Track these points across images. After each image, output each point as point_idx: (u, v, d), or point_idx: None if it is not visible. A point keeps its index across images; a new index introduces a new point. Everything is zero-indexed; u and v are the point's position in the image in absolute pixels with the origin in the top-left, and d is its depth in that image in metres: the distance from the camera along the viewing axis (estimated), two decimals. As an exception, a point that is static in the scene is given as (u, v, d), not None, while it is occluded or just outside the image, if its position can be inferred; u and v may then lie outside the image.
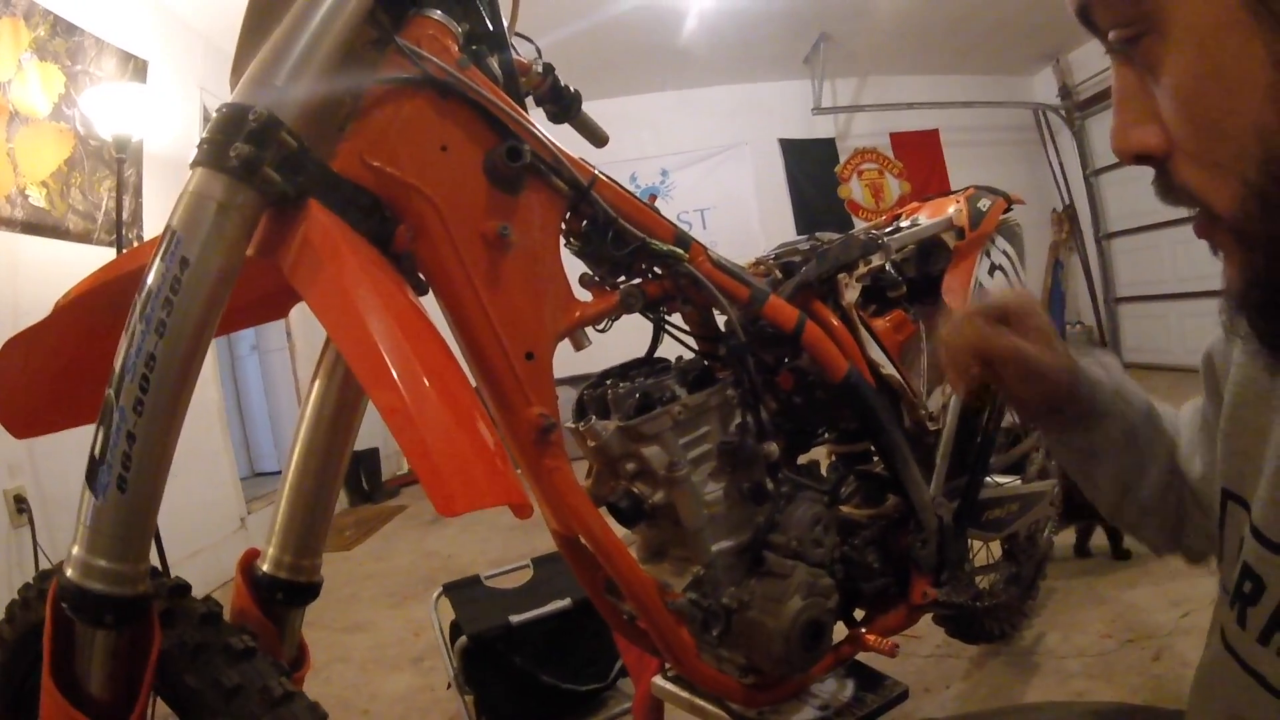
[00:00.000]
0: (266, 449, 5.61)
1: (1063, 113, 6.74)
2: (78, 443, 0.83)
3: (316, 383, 0.90)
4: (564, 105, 1.19)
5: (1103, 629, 1.97)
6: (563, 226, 0.98)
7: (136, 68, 3.47)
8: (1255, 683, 0.54)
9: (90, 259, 2.99)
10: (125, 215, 3.11)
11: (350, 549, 3.93)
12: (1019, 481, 1.68)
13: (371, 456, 5.10)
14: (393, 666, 2.41)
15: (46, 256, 2.85)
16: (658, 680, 1.26)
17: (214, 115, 0.74)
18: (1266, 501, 0.54)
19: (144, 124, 3.07)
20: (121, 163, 2.97)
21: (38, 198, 2.87)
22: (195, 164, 0.73)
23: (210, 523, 3.55)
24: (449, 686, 1.91)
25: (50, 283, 2.59)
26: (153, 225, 3.45)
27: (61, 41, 3.05)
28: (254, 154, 0.71)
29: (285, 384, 5.11)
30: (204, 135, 0.73)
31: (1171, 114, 0.42)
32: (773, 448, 1.06)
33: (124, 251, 2.92)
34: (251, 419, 5.71)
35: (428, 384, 0.61)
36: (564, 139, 1.01)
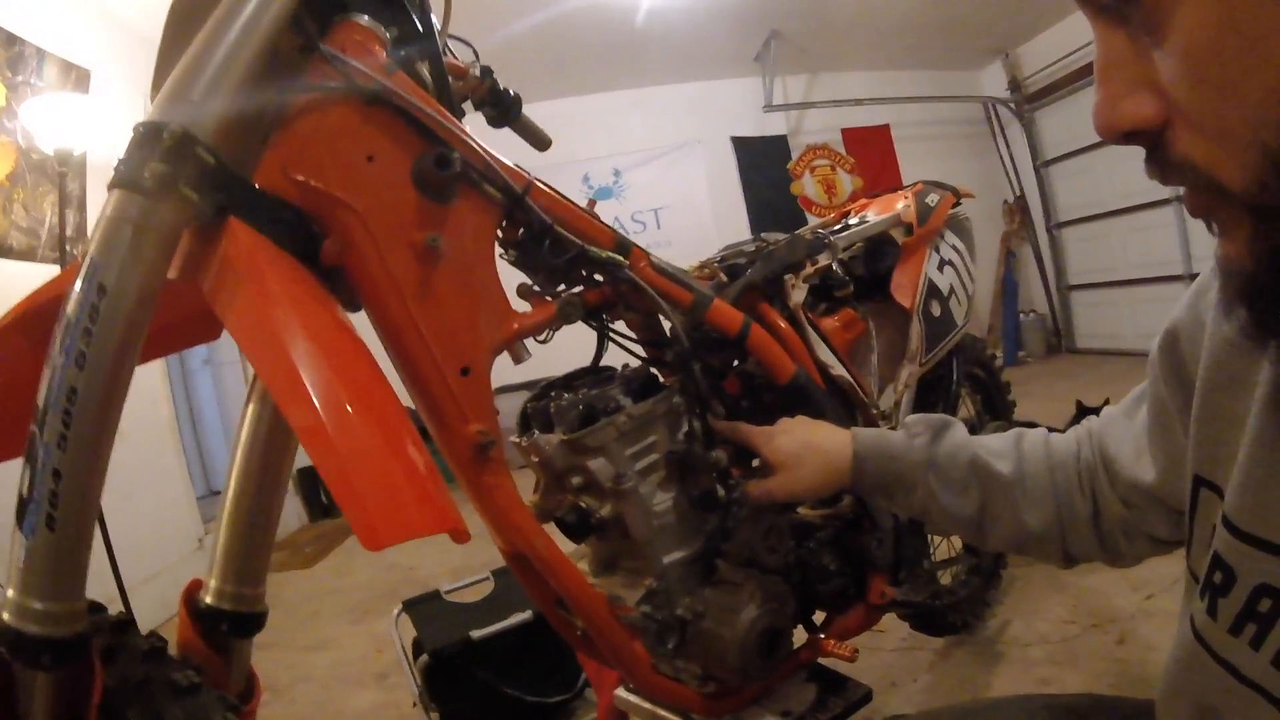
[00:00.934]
0: (222, 466, 5.50)
1: (1012, 106, 6.87)
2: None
3: (250, 406, 0.88)
4: (504, 108, 1.16)
5: (1065, 615, 1.99)
6: (498, 235, 0.96)
7: (79, 78, 3.40)
8: (1227, 673, 0.54)
9: (35, 276, 2.92)
10: (70, 230, 3.05)
11: (310, 566, 3.86)
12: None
13: (332, 469, 5.02)
14: (357, 684, 2.38)
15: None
16: (620, 692, 1.24)
17: (131, 134, 0.71)
18: (1238, 490, 0.53)
19: (87, 136, 3.00)
20: (64, 176, 2.89)
21: (-21, 216, 2.79)
22: (112, 185, 0.70)
23: (166, 545, 3.46)
24: (414, 704, 1.88)
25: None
26: (98, 239, 3.36)
27: (1, 53, 2.97)
28: (168, 172, 0.68)
29: (239, 398, 4.97)
30: (120, 156, 0.70)
31: (1178, 76, 0.38)
32: (721, 455, 1.05)
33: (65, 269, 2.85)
34: (206, 435, 5.60)
35: (350, 408, 0.59)
36: (508, 144, 0.98)
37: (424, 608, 2.05)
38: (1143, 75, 0.40)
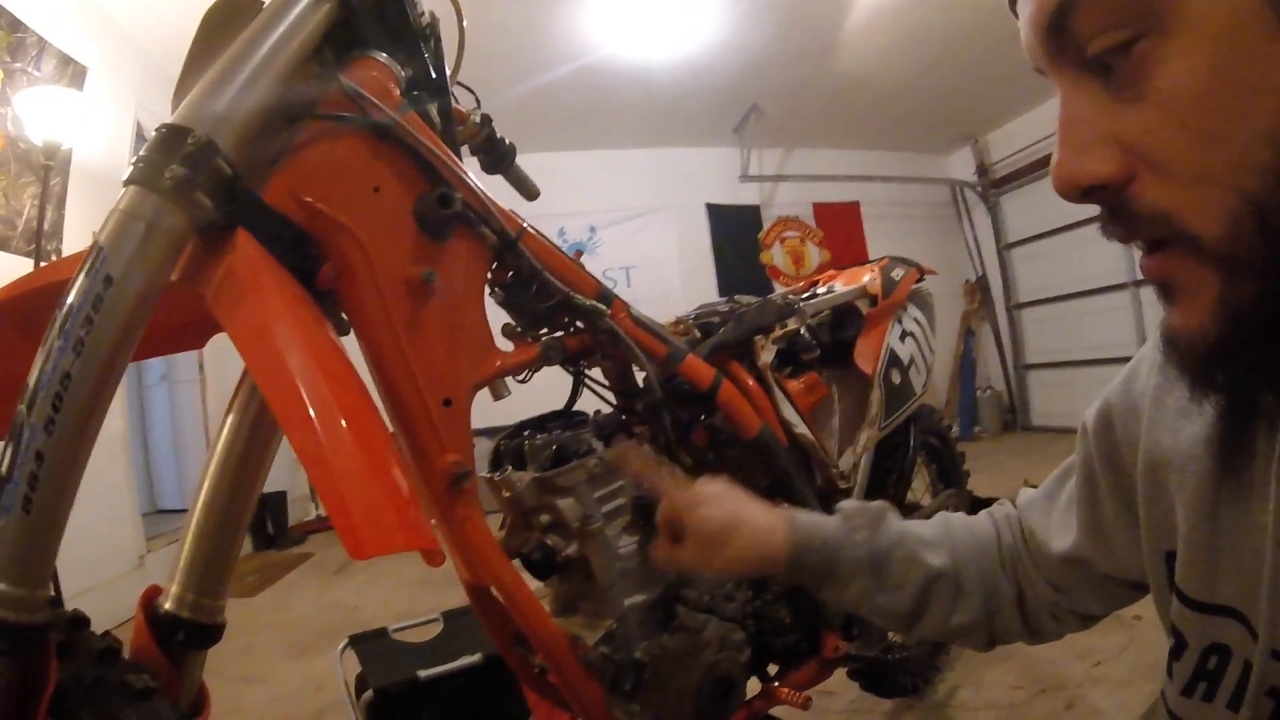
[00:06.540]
0: (169, 485, 5.36)
1: (979, 189, 7.09)
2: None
3: (230, 417, 0.88)
4: (498, 156, 1.21)
5: (1014, 681, 2.00)
6: (488, 276, 0.99)
7: (75, 73, 3.38)
8: None
9: (4, 267, 2.90)
10: (46, 225, 3.01)
11: (252, 595, 3.77)
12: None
13: (278, 500, 4.90)
14: (291, 721, 2.32)
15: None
16: (568, 736, 1.24)
17: (153, 134, 0.73)
18: (1183, 561, 0.56)
19: (76, 132, 2.97)
20: (49, 170, 2.87)
21: (-43, 197, 2.75)
22: (128, 181, 0.71)
23: (107, 559, 3.37)
24: (352, 742, 1.84)
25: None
26: (73, 238, 3.34)
27: (4, 35, 2.96)
28: (188, 177, 0.70)
29: (193, 418, 4.91)
30: (140, 153, 0.72)
31: (1158, 124, 0.39)
32: (687, 503, 1.07)
33: (42, 263, 2.81)
34: (156, 452, 5.47)
35: (344, 425, 0.61)
36: (495, 190, 1.02)
37: (370, 645, 2.01)
38: (1107, 132, 0.41)
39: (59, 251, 3.27)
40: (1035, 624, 0.81)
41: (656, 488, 0.91)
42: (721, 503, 0.86)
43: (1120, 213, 0.43)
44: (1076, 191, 0.43)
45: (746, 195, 6.89)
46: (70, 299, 0.67)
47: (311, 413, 0.60)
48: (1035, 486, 0.86)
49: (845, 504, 0.86)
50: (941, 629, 0.82)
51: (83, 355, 0.66)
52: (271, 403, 0.64)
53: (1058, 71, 0.44)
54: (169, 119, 0.74)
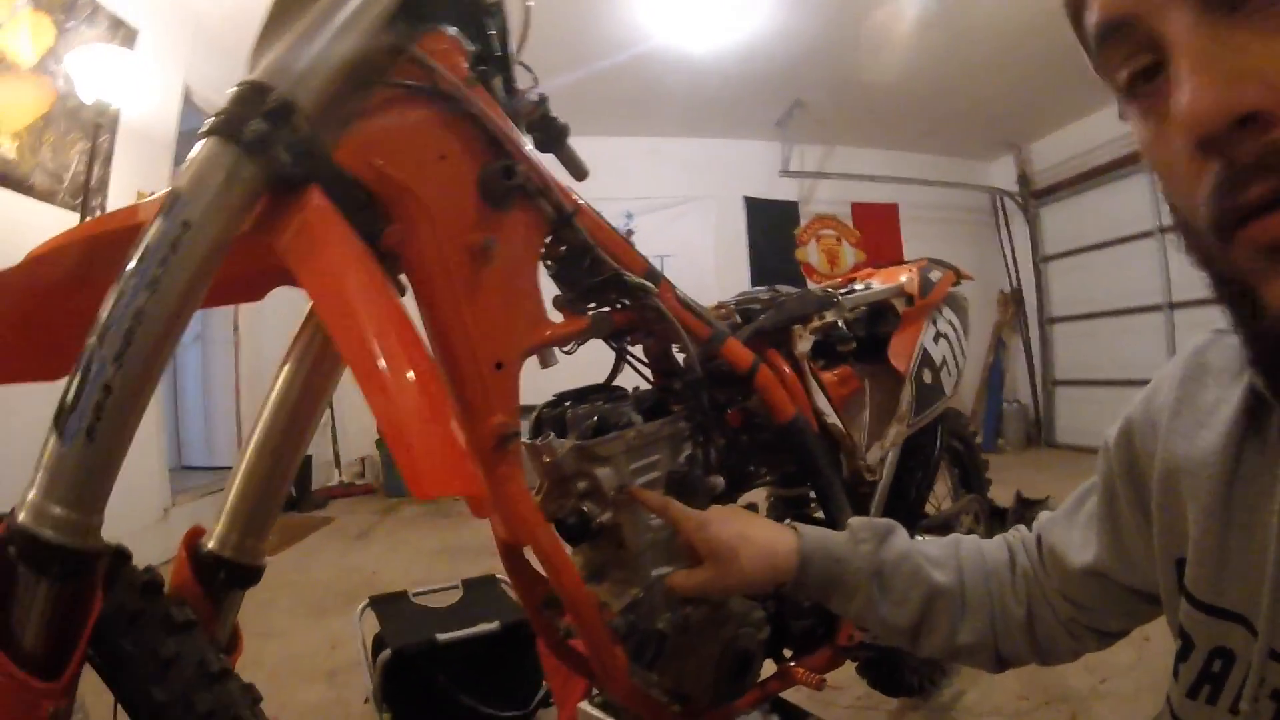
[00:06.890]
0: (197, 442, 5.46)
1: (1019, 199, 7.03)
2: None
3: (286, 366, 0.91)
4: (552, 135, 1.23)
5: (1020, 690, 2.02)
6: (543, 248, 1.02)
7: (126, 35, 3.45)
8: None
9: (49, 219, 3.00)
10: (92, 181, 3.09)
11: (273, 554, 3.82)
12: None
13: (303, 463, 4.97)
14: (306, 678, 2.37)
15: (5, 209, 2.82)
16: (584, 705, 1.27)
17: (234, 88, 0.75)
18: (1194, 563, 0.57)
19: (125, 93, 3.03)
20: (99, 128, 2.94)
21: (9, 148, 2.84)
22: (209, 133, 0.73)
23: (133, 510, 3.45)
24: (366, 701, 1.88)
25: (4, 234, 2.53)
26: (117, 196, 3.41)
27: None
28: (268, 132, 0.73)
29: (225, 377, 5.00)
30: (222, 106, 0.74)
31: None
32: (719, 480, 1.10)
33: (89, 217, 2.89)
34: (185, 410, 5.57)
35: (410, 374, 0.64)
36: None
37: (390, 606, 2.06)
38: (1246, 65, 0.37)
39: (104, 208, 3.36)
40: (1047, 646, 0.83)
41: (667, 517, 0.97)
42: (729, 521, 0.93)
43: (1259, 164, 0.37)
44: (1232, 120, 0.37)
45: (785, 190, 6.89)
46: (148, 239, 0.70)
47: (381, 360, 0.64)
48: (1029, 499, 0.87)
49: (854, 520, 0.91)
50: (947, 647, 0.84)
51: (157, 294, 0.68)
52: (341, 347, 0.67)
53: (1175, 9, 0.40)
54: (249, 76, 0.77)
